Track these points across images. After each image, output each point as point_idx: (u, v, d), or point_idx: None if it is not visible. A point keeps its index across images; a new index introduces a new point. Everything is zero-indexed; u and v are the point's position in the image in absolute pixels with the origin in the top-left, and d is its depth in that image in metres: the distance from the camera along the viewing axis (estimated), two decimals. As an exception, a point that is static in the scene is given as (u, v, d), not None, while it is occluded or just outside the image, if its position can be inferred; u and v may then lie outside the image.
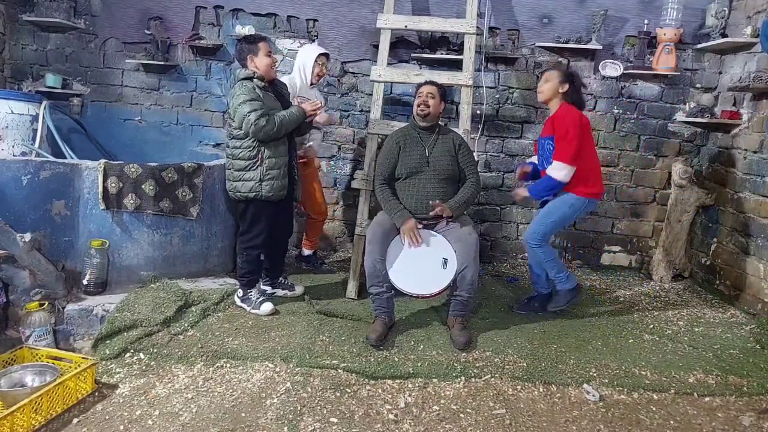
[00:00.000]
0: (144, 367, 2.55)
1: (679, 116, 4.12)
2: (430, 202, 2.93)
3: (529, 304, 3.31)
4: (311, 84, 3.56)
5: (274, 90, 3.08)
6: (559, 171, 2.95)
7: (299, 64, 3.53)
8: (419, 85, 3.13)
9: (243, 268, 3.11)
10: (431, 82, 3.13)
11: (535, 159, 3.36)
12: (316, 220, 3.87)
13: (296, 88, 3.47)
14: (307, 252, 3.99)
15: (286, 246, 3.41)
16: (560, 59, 4.13)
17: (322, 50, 3.56)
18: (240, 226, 3.12)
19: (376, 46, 3.81)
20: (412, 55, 4.13)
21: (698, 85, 4.10)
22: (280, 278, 3.39)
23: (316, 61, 3.50)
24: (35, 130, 3.60)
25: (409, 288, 2.84)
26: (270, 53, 3.00)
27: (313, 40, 4.21)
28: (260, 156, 2.94)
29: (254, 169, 2.94)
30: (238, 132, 2.94)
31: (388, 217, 2.97)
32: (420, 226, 2.93)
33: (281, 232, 3.25)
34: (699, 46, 3.98)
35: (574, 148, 2.91)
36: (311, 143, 3.79)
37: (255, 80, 2.95)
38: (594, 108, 4.20)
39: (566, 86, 3.03)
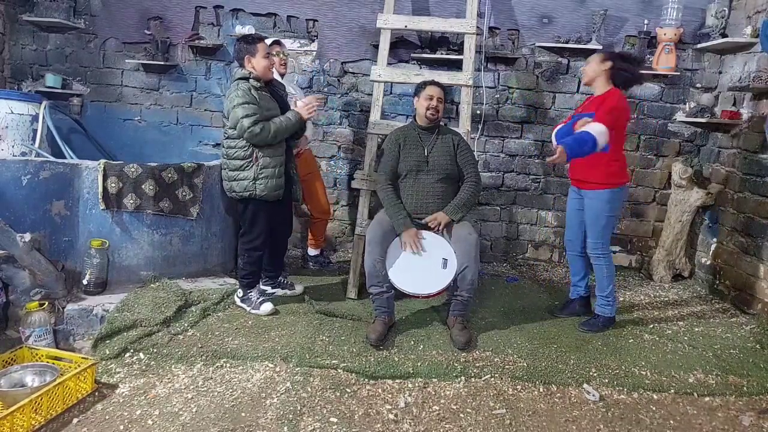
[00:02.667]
0: (144, 367, 2.55)
1: (679, 116, 4.12)
2: (425, 220, 2.94)
3: (570, 307, 3.29)
4: (282, 76, 3.55)
5: (271, 91, 3.06)
6: (600, 131, 2.70)
7: None
8: (423, 85, 3.08)
9: (244, 269, 3.10)
10: (436, 83, 3.10)
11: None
12: (319, 219, 3.89)
13: None
14: (313, 252, 4.01)
15: (285, 246, 3.41)
16: (560, 59, 4.13)
17: (270, 40, 3.50)
18: (241, 227, 3.12)
19: (376, 46, 3.81)
20: (412, 55, 4.13)
21: (698, 85, 4.10)
22: (280, 278, 3.39)
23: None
24: (35, 130, 3.60)
25: (409, 288, 2.84)
26: (269, 54, 2.98)
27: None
28: (255, 155, 2.93)
29: (249, 169, 2.93)
30: (232, 132, 2.93)
31: (389, 218, 2.98)
32: (421, 233, 2.93)
33: (281, 231, 3.25)
34: (699, 46, 3.98)
35: (615, 118, 2.80)
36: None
37: (251, 81, 2.93)
38: (594, 108, 4.20)
39: (609, 63, 2.90)
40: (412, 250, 2.86)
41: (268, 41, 3.50)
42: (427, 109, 3.00)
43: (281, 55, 3.53)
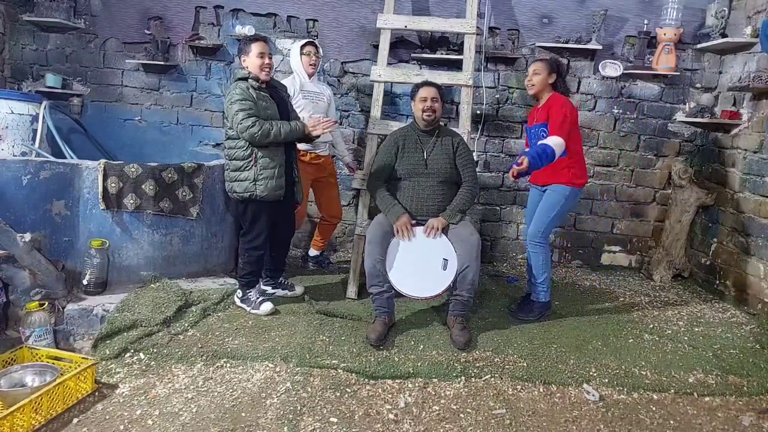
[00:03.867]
0: (144, 367, 2.55)
1: (679, 116, 4.12)
2: (423, 231, 2.93)
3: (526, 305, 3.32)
4: (309, 75, 3.58)
5: (271, 91, 3.05)
6: (557, 144, 2.88)
7: (293, 64, 3.60)
8: (417, 87, 3.07)
9: (244, 269, 3.10)
10: (431, 84, 3.08)
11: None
12: (329, 223, 3.90)
13: (298, 86, 3.51)
14: (314, 252, 4.01)
15: (288, 246, 3.41)
16: (560, 59, 4.13)
17: (304, 41, 3.59)
18: (242, 227, 3.12)
19: (376, 46, 3.81)
20: (412, 55, 4.13)
21: (698, 85, 4.10)
22: (281, 278, 3.39)
23: (302, 53, 3.54)
24: (35, 130, 3.60)
25: (410, 291, 2.83)
26: (262, 54, 2.95)
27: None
28: (254, 156, 2.93)
29: (249, 169, 2.93)
30: (232, 132, 2.95)
31: (382, 211, 2.98)
32: (414, 222, 2.94)
33: (283, 232, 3.25)
34: (699, 46, 3.99)
35: (567, 126, 2.95)
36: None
37: (249, 81, 2.94)
38: (594, 108, 4.21)
39: (554, 76, 3.10)
40: (405, 237, 2.87)
41: (300, 43, 3.56)
42: (423, 111, 2.99)
43: (312, 56, 3.56)
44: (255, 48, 2.95)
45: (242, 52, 2.99)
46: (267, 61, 2.97)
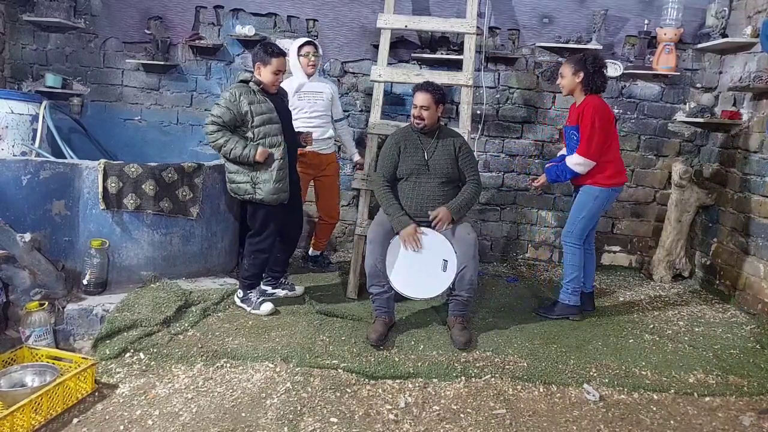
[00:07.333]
0: (144, 367, 2.55)
1: (680, 116, 4.12)
2: (429, 212, 2.92)
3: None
4: (309, 76, 3.54)
5: (272, 96, 3.03)
6: (576, 163, 3.03)
7: (291, 65, 3.47)
8: (414, 89, 3.00)
9: (248, 270, 3.10)
10: (425, 89, 2.95)
11: (564, 151, 3.38)
12: (327, 223, 3.90)
13: (296, 86, 3.49)
14: (314, 252, 4.01)
15: (294, 247, 3.40)
16: (560, 59, 4.13)
17: (303, 40, 3.53)
18: (249, 228, 3.11)
19: (376, 46, 3.81)
20: (412, 55, 4.13)
21: (698, 85, 4.10)
22: (282, 278, 3.39)
23: (299, 54, 3.48)
24: (35, 130, 3.60)
25: (410, 293, 2.83)
26: (279, 71, 2.93)
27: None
28: None
29: (243, 173, 2.92)
30: None
31: (387, 218, 2.97)
32: (422, 229, 2.93)
33: (291, 232, 3.25)
34: (699, 46, 3.99)
35: (596, 143, 2.98)
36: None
37: (251, 83, 2.92)
38: (594, 108, 4.20)
39: (581, 75, 3.03)
40: (412, 248, 2.85)
41: (298, 42, 3.50)
42: (413, 117, 2.97)
43: (310, 56, 3.51)
44: (275, 64, 2.91)
45: (260, 60, 2.91)
46: (281, 79, 2.98)
